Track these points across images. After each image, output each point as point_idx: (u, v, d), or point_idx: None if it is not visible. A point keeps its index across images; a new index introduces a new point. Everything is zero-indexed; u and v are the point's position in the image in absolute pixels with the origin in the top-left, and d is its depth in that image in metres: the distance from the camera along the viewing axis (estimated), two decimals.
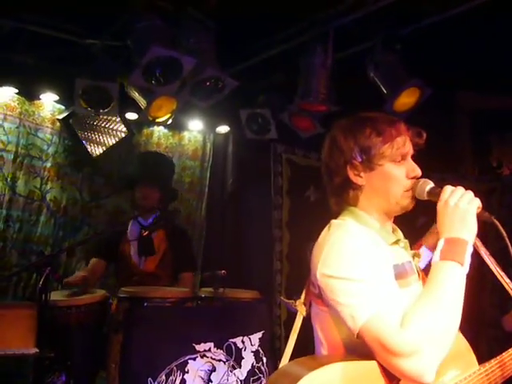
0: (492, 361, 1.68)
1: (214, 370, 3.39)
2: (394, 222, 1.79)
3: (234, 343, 3.50)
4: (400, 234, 1.79)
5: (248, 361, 3.54)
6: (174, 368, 3.22)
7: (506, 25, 4.14)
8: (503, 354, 1.73)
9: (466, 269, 1.50)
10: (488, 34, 4.28)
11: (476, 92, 5.75)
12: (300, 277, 1.78)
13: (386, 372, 1.45)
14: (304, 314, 1.76)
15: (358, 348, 1.48)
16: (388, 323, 1.41)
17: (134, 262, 3.99)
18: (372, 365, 1.46)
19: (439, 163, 5.48)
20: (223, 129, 5.70)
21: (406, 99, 4.29)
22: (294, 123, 4.86)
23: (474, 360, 1.68)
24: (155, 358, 3.20)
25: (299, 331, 1.78)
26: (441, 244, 1.54)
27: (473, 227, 1.54)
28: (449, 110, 5.83)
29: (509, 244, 1.47)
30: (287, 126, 4.95)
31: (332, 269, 1.53)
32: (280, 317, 5.33)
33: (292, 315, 1.82)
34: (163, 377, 3.17)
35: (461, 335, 1.68)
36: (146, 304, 3.33)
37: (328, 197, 1.80)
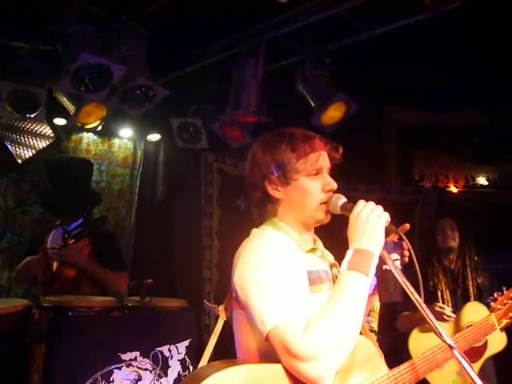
0: (402, 365, 1.78)
1: (139, 379, 3.36)
2: (319, 235, 1.86)
3: (161, 352, 3.48)
4: (319, 245, 1.87)
5: (174, 369, 3.53)
6: (99, 378, 3.17)
7: (432, 43, 4.37)
8: (414, 358, 1.83)
9: (370, 279, 1.59)
10: (414, 52, 4.51)
11: (402, 107, 6.01)
12: (229, 285, 1.82)
13: (290, 375, 1.52)
14: (225, 318, 1.81)
15: (271, 353, 1.54)
16: (293, 328, 1.48)
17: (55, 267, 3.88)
18: (277, 368, 1.53)
19: (366, 175, 5.69)
20: (154, 137, 5.69)
21: (333, 113, 4.44)
22: (224, 133, 4.92)
23: (383, 365, 1.77)
24: (79, 368, 3.13)
25: (223, 336, 1.82)
26: (349, 254, 1.62)
27: (380, 240, 1.64)
28: (376, 124, 6.05)
29: (413, 256, 1.57)
30: (218, 135, 5.00)
31: (247, 273, 1.60)
32: (209, 325, 5.35)
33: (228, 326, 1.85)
34: None
35: (370, 341, 1.77)
36: (70, 313, 3.26)
37: (251, 209, 1.86)
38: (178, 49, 4.69)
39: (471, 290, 3.61)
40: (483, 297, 3.52)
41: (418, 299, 1.55)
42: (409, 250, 1.60)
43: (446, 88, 5.11)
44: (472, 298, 3.57)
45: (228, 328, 1.82)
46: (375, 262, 1.61)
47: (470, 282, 3.63)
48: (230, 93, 4.56)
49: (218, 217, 5.70)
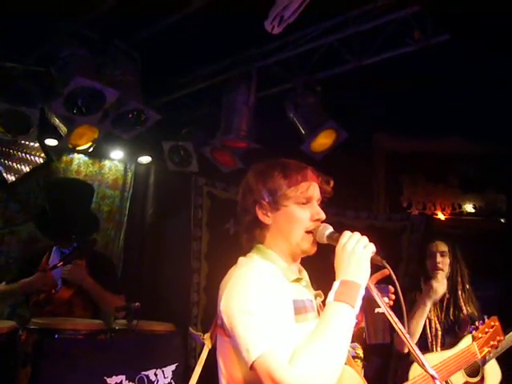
0: None
1: None
2: (306, 263, 1.89)
3: (147, 376, 3.46)
4: (304, 275, 1.90)
5: None
6: None
7: (420, 73, 4.46)
8: None
9: (356, 311, 1.62)
10: (403, 81, 4.59)
11: (391, 135, 6.09)
12: (216, 310, 1.83)
13: None
14: (210, 346, 1.82)
15: (256, 382, 1.55)
16: (279, 358, 1.50)
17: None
18: None
19: (355, 201, 5.74)
20: (145, 159, 5.71)
21: (323, 140, 4.49)
22: (215, 157, 4.96)
23: None
24: None
25: (208, 364, 1.83)
26: (336, 285, 1.65)
27: (366, 271, 1.67)
28: (365, 151, 6.12)
29: (398, 286, 1.60)
30: (208, 159, 5.03)
31: (233, 301, 1.63)
32: (195, 349, 5.31)
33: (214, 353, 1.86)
34: None
35: (354, 371, 1.79)
36: (56, 336, 3.25)
37: (240, 234, 1.89)
38: (169, 73, 4.75)
39: (461, 320, 3.47)
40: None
41: (403, 331, 1.58)
42: (394, 283, 1.63)
43: (433, 116, 5.20)
44: (462, 328, 3.44)
45: (213, 356, 1.83)
46: (361, 293, 1.64)
47: (461, 313, 3.50)
48: (221, 118, 4.60)
49: (207, 240, 5.70)
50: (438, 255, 3.56)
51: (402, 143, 6.15)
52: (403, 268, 5.68)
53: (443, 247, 3.60)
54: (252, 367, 1.54)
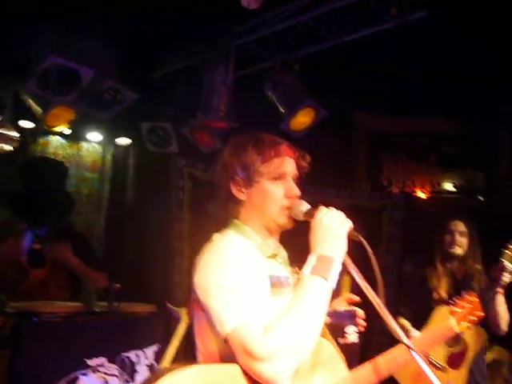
0: (362, 366, 1.81)
1: None
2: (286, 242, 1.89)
3: (128, 357, 3.46)
4: (281, 251, 1.88)
5: (142, 374, 3.49)
6: None
7: (401, 51, 4.45)
8: (375, 359, 1.86)
9: (331, 285, 1.61)
10: (383, 58, 4.59)
11: (371, 113, 6.09)
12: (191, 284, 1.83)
13: (247, 376, 1.53)
14: (187, 321, 1.81)
15: (232, 355, 1.55)
16: (252, 331, 1.50)
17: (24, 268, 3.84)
18: (234, 369, 1.54)
19: (335, 180, 5.76)
20: (124, 141, 5.64)
21: (302, 119, 4.48)
22: (195, 138, 4.93)
23: (343, 366, 1.80)
24: (44, 375, 3.10)
25: (186, 340, 1.83)
26: (311, 259, 1.64)
27: (342, 246, 1.65)
28: (346, 130, 6.13)
29: (375, 262, 1.59)
30: (188, 140, 5.00)
31: (208, 275, 1.62)
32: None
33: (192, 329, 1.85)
34: None
35: (331, 343, 1.80)
36: (35, 319, 3.23)
37: (217, 211, 1.88)
38: (147, 53, 4.69)
39: None
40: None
41: (378, 302, 1.58)
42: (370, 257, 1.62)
43: (414, 95, 5.21)
44: None
45: (191, 332, 1.82)
46: (337, 267, 1.63)
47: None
48: (200, 98, 4.57)
49: (189, 222, 5.68)
50: (457, 234, 3.61)
51: (382, 122, 6.16)
52: (384, 246, 5.73)
53: (462, 227, 3.63)
54: (226, 340, 1.54)
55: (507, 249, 3.32)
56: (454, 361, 3.45)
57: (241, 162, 1.77)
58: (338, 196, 5.82)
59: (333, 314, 1.95)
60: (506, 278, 3.32)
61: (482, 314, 2.87)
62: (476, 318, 2.79)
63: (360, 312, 1.94)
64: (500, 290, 3.38)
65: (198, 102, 4.62)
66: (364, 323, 1.93)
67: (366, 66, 4.76)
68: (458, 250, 3.62)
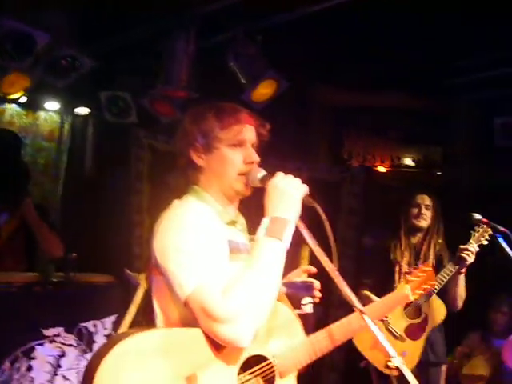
0: (319, 332, 1.84)
1: (63, 355, 3.32)
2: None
3: (86, 327, 3.45)
4: (240, 218, 1.90)
5: (100, 344, 3.50)
6: (20, 354, 3.12)
7: (361, 23, 4.45)
8: (331, 325, 1.90)
9: (285, 245, 1.64)
10: (345, 31, 4.57)
11: (332, 87, 6.09)
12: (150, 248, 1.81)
13: (208, 338, 1.56)
14: (145, 286, 1.82)
15: (192, 319, 1.57)
16: (212, 292, 1.52)
17: None
18: (195, 332, 1.56)
19: (295, 153, 5.77)
20: (82, 110, 5.52)
21: (264, 90, 4.47)
22: (154, 108, 4.86)
23: (300, 330, 1.84)
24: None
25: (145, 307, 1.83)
26: (265, 222, 1.66)
27: (296, 209, 1.68)
28: (306, 103, 6.12)
29: (328, 228, 1.62)
30: (148, 110, 4.93)
31: (166, 239, 1.64)
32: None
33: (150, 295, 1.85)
34: (7, 364, 3.06)
35: (287, 307, 1.83)
36: None
37: (177, 179, 1.88)
38: (106, 20, 4.57)
39: None
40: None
41: (331, 267, 1.60)
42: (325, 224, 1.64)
43: (374, 69, 5.23)
44: None
45: (149, 298, 1.82)
46: (291, 228, 1.65)
47: (431, 262, 3.61)
48: (161, 67, 4.49)
49: (148, 193, 5.63)
50: (423, 207, 3.72)
51: (343, 95, 6.16)
52: (344, 219, 5.78)
53: (428, 201, 3.74)
54: (186, 303, 1.55)
55: (474, 230, 3.42)
56: (413, 332, 3.56)
57: (200, 129, 1.79)
58: (298, 169, 5.82)
59: (290, 284, 1.98)
60: (470, 258, 3.42)
61: (435, 283, 2.96)
62: (429, 287, 2.88)
63: (316, 283, 1.99)
64: (463, 270, 3.49)
65: (157, 72, 4.55)
66: (320, 294, 1.97)
67: (329, 39, 4.74)
68: (423, 223, 3.72)
